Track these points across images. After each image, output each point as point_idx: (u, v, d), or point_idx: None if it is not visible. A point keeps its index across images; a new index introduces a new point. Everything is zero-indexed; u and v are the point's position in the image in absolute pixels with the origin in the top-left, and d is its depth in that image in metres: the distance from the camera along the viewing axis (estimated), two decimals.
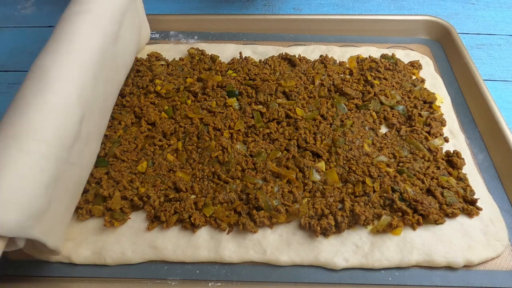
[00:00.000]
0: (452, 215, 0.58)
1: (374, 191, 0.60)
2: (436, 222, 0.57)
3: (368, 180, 0.60)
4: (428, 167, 0.63)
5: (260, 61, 0.81)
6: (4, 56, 0.91)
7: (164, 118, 0.69)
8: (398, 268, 0.55)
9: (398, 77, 0.77)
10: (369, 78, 0.75)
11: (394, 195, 0.59)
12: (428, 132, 0.68)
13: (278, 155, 0.64)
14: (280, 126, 0.69)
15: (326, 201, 0.59)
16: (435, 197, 0.59)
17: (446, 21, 0.89)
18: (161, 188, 0.60)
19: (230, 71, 0.78)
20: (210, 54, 0.82)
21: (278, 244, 0.56)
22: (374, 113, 0.71)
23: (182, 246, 0.56)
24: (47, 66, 0.54)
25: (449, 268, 0.55)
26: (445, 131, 0.70)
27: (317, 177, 0.61)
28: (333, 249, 0.55)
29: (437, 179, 0.61)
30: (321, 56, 0.82)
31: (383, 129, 0.70)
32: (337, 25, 0.90)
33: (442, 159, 0.64)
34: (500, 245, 0.56)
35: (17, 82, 0.85)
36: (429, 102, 0.72)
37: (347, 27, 0.90)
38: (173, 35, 0.90)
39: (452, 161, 0.64)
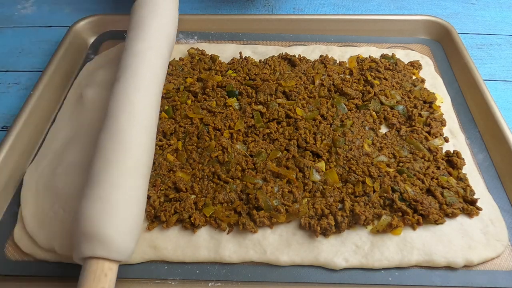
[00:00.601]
0: (452, 215, 0.58)
1: (374, 191, 0.60)
2: (436, 222, 0.57)
3: (368, 180, 0.60)
4: (428, 167, 0.63)
5: (260, 61, 0.81)
6: (4, 56, 0.91)
7: (164, 118, 0.69)
8: (398, 268, 0.55)
9: (398, 77, 0.77)
10: (369, 78, 0.75)
11: (394, 195, 0.59)
12: (428, 132, 0.68)
13: (278, 155, 0.64)
14: (280, 126, 0.69)
15: (326, 201, 0.59)
16: (435, 197, 0.59)
17: (446, 21, 0.89)
18: (161, 188, 0.60)
19: (230, 71, 0.78)
20: (210, 54, 0.82)
21: (278, 244, 0.56)
22: (374, 113, 0.71)
23: (182, 246, 0.56)
24: (136, 102, 0.59)
25: (449, 268, 0.55)
26: (445, 131, 0.70)
27: (317, 177, 0.61)
28: (333, 249, 0.55)
29: (437, 179, 0.61)
30: (321, 56, 0.82)
31: (383, 129, 0.70)
32: (337, 25, 0.90)
33: (442, 159, 0.64)
34: (500, 245, 0.56)
35: (17, 82, 0.85)
36: (429, 102, 0.72)
37: (347, 27, 0.90)
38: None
39: (452, 161, 0.64)
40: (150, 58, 0.65)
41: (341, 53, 0.84)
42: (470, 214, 0.58)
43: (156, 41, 0.68)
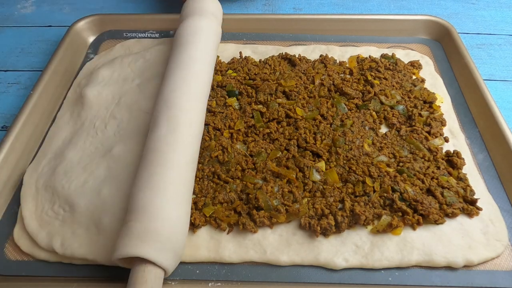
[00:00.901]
0: (452, 215, 0.58)
1: (374, 191, 0.60)
2: (436, 222, 0.57)
3: (368, 180, 0.60)
4: (428, 167, 0.63)
5: (260, 61, 0.81)
6: (4, 56, 0.91)
7: None
8: (398, 268, 0.55)
9: (398, 77, 0.77)
10: (369, 78, 0.75)
11: (394, 195, 0.59)
12: (428, 132, 0.68)
13: (278, 155, 0.64)
14: (280, 126, 0.69)
15: (326, 201, 0.59)
16: (435, 197, 0.59)
17: (446, 21, 0.89)
18: None
19: (230, 71, 0.78)
20: None
21: (278, 244, 0.56)
22: (374, 113, 0.71)
23: None
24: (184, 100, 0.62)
25: (449, 268, 0.55)
26: (445, 131, 0.70)
27: (317, 177, 0.61)
28: (333, 249, 0.55)
29: (437, 179, 0.61)
30: (321, 56, 0.81)
31: (383, 129, 0.70)
32: (337, 25, 0.90)
33: (442, 159, 0.64)
34: (500, 245, 0.56)
35: (17, 82, 0.85)
36: (429, 102, 0.72)
37: (347, 27, 0.90)
38: (173, 35, 0.90)
39: (452, 161, 0.64)
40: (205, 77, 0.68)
41: (341, 53, 0.84)
42: (470, 214, 0.58)
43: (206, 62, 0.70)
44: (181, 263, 0.55)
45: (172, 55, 0.70)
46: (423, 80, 0.77)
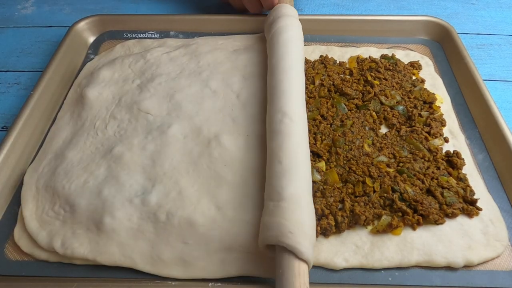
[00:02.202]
0: (452, 215, 0.58)
1: (374, 191, 0.60)
2: (436, 222, 0.57)
3: (368, 180, 0.60)
4: (428, 167, 0.63)
5: None
6: (4, 56, 0.91)
7: None
8: (398, 268, 0.55)
9: (398, 78, 0.77)
10: (369, 78, 0.75)
11: (394, 195, 0.59)
12: (428, 132, 0.68)
13: None
14: None
15: (326, 201, 0.59)
16: (435, 197, 0.59)
17: (446, 21, 0.89)
18: None
19: None
20: None
21: None
22: (374, 113, 0.71)
23: None
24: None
25: (449, 268, 0.55)
26: (445, 131, 0.70)
27: (317, 177, 0.61)
28: (333, 249, 0.55)
29: (437, 179, 0.61)
30: (321, 56, 0.82)
31: (383, 129, 0.70)
32: (337, 25, 0.90)
33: (442, 159, 0.64)
34: (500, 245, 0.56)
35: (17, 82, 0.85)
36: (429, 102, 0.72)
37: (347, 27, 0.90)
38: (173, 35, 0.90)
39: (452, 161, 0.64)
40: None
41: (341, 54, 0.84)
42: (470, 214, 0.58)
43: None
44: None
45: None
46: (423, 81, 0.77)
